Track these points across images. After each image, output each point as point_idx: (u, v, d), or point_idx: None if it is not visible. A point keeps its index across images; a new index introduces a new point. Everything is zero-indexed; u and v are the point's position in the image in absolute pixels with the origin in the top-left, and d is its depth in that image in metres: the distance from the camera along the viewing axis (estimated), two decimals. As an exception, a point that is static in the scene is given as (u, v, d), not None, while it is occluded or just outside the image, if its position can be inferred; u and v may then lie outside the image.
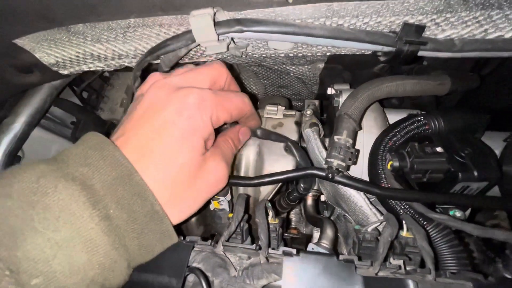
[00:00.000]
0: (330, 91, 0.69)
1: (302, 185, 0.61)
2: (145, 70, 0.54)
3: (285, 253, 0.38)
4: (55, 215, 0.27)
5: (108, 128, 0.83)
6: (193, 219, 0.64)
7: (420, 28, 0.42)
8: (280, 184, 0.60)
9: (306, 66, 0.76)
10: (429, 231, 0.44)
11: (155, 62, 0.58)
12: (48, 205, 0.27)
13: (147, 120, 0.36)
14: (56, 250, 0.26)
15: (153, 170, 0.34)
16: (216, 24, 0.42)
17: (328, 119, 0.77)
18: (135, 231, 0.31)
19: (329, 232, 0.54)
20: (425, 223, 0.45)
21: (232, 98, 0.41)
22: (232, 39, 0.48)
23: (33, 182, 0.28)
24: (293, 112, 0.66)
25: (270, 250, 0.39)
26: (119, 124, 0.39)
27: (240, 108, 0.42)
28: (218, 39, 0.43)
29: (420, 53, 0.45)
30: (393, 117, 0.63)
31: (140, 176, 0.32)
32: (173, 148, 0.35)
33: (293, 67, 0.77)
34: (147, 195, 0.32)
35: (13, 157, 0.68)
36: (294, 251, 0.38)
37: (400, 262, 0.37)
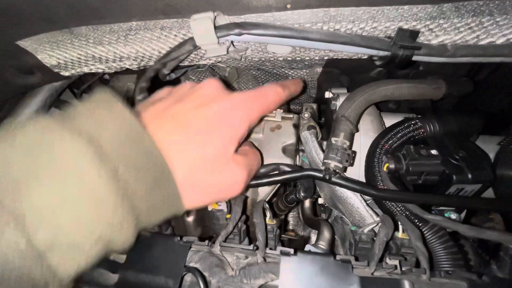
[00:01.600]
0: (327, 94, 0.70)
1: (302, 194, 0.61)
2: (153, 80, 0.55)
3: (283, 253, 0.38)
4: (61, 168, 0.25)
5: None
6: (191, 220, 0.64)
7: (414, 34, 0.43)
8: (278, 185, 0.61)
9: (304, 70, 0.77)
10: (424, 232, 0.44)
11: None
12: (53, 158, 0.26)
13: (191, 99, 0.36)
14: (62, 203, 0.25)
15: (177, 143, 0.33)
16: (216, 27, 0.43)
17: (325, 122, 0.78)
18: (143, 191, 0.30)
19: (326, 233, 0.55)
20: (420, 224, 0.45)
21: (268, 96, 0.42)
22: (232, 42, 0.49)
23: (38, 134, 0.26)
24: (291, 115, 0.67)
25: (268, 250, 0.39)
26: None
27: (276, 102, 0.43)
28: (218, 42, 0.44)
29: (415, 58, 0.46)
30: (390, 120, 0.64)
31: (152, 137, 0.30)
32: (209, 131, 0.34)
33: (292, 71, 0.78)
34: (157, 157, 0.30)
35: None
36: (291, 251, 0.38)
37: (396, 262, 0.37)
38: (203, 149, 0.34)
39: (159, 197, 0.31)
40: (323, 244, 0.53)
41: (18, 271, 0.23)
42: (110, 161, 0.27)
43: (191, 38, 0.45)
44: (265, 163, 0.60)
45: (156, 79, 0.64)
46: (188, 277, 0.40)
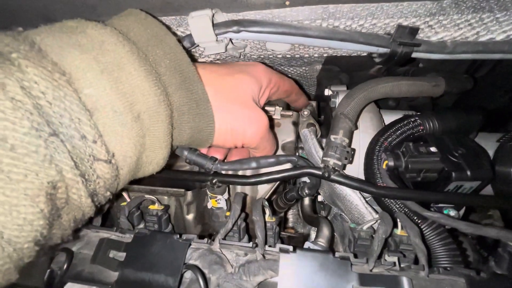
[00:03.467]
0: (327, 92, 0.70)
1: (306, 191, 0.61)
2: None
3: (282, 250, 0.38)
4: (99, 41, 0.28)
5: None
6: (191, 218, 0.64)
7: (414, 30, 0.43)
8: (277, 183, 0.61)
9: (303, 68, 0.77)
10: (423, 229, 0.44)
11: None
12: (90, 35, 0.28)
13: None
14: (103, 69, 0.27)
15: (210, 72, 0.42)
16: (215, 24, 0.43)
17: (325, 120, 0.78)
18: (174, 84, 0.33)
19: (325, 231, 0.55)
20: (419, 221, 0.45)
21: (285, 80, 0.55)
22: (231, 39, 0.48)
23: (72, 23, 0.29)
24: (290, 113, 0.67)
25: (267, 247, 0.39)
26: None
27: (288, 90, 0.55)
28: (217, 40, 0.44)
29: (414, 55, 0.46)
30: (389, 118, 0.64)
31: (184, 53, 0.36)
32: (244, 72, 0.45)
33: (291, 68, 0.78)
34: (185, 65, 0.36)
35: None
36: (290, 248, 0.38)
37: (395, 259, 0.38)
38: (237, 83, 0.43)
39: (188, 93, 0.35)
40: (322, 241, 0.53)
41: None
42: (145, 52, 0.31)
43: (189, 35, 0.44)
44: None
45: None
46: (188, 274, 0.40)
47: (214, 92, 0.40)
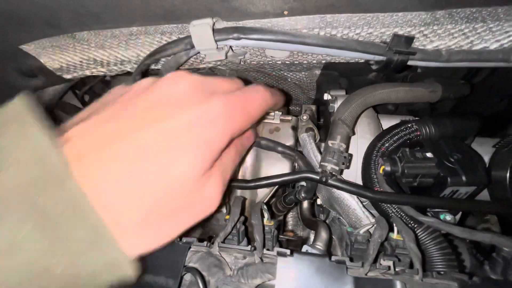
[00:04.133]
0: (326, 96, 0.71)
1: (303, 195, 0.62)
2: (144, 75, 0.56)
3: (279, 254, 0.39)
4: None
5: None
6: (191, 221, 0.65)
7: (409, 39, 0.44)
8: (276, 187, 0.62)
9: (303, 73, 0.78)
10: (418, 233, 0.45)
11: (156, 67, 0.60)
12: None
13: (146, 106, 0.25)
14: None
15: (127, 174, 0.23)
16: (215, 31, 0.44)
17: (324, 124, 0.79)
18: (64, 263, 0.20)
19: (323, 234, 0.56)
20: (415, 226, 0.46)
21: (255, 102, 0.32)
22: (231, 47, 0.50)
23: None
24: (289, 117, 0.68)
25: (265, 251, 0.40)
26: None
27: (262, 110, 0.33)
28: (217, 47, 0.45)
29: (410, 63, 0.47)
30: (387, 123, 0.65)
31: (75, 180, 0.21)
32: (171, 152, 0.24)
33: (291, 73, 0.79)
34: (86, 209, 0.21)
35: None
36: (288, 251, 0.39)
37: (390, 263, 0.38)
38: (169, 182, 0.24)
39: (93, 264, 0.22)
40: (320, 245, 0.54)
41: None
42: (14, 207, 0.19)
43: (188, 37, 0.45)
44: (264, 165, 0.62)
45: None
46: (187, 277, 0.41)
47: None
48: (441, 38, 0.44)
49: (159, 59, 0.51)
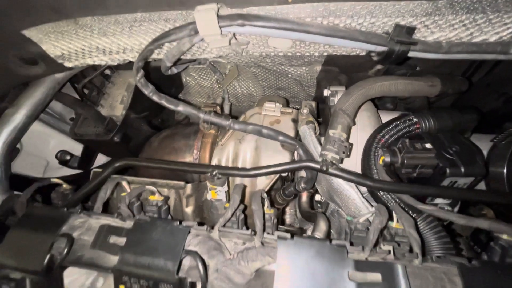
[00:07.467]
0: (326, 92, 0.72)
1: (302, 185, 0.62)
2: (146, 65, 0.55)
3: (280, 237, 0.39)
4: None
5: (107, 124, 0.84)
6: (190, 211, 0.64)
7: (411, 30, 0.45)
8: (276, 177, 0.62)
9: (304, 68, 0.79)
10: (417, 221, 0.45)
11: (158, 57, 0.60)
12: None
13: None
14: None
15: None
16: (220, 17, 0.44)
17: (323, 121, 0.80)
18: None
19: (322, 224, 0.56)
20: (413, 214, 0.46)
21: None
22: (234, 35, 0.50)
23: None
24: (290, 110, 0.69)
25: (265, 235, 0.40)
26: None
27: None
28: (221, 33, 0.46)
29: (411, 54, 0.48)
30: (386, 117, 0.66)
31: None
32: None
33: (292, 68, 0.80)
34: None
35: (13, 148, 0.69)
36: (288, 235, 0.39)
37: (390, 247, 0.38)
38: None
39: None
40: (319, 235, 0.54)
41: None
42: None
43: (192, 23, 0.46)
44: (264, 156, 0.62)
45: (159, 73, 0.66)
46: (187, 261, 0.40)
47: None
48: (442, 29, 0.45)
49: (163, 45, 0.51)
